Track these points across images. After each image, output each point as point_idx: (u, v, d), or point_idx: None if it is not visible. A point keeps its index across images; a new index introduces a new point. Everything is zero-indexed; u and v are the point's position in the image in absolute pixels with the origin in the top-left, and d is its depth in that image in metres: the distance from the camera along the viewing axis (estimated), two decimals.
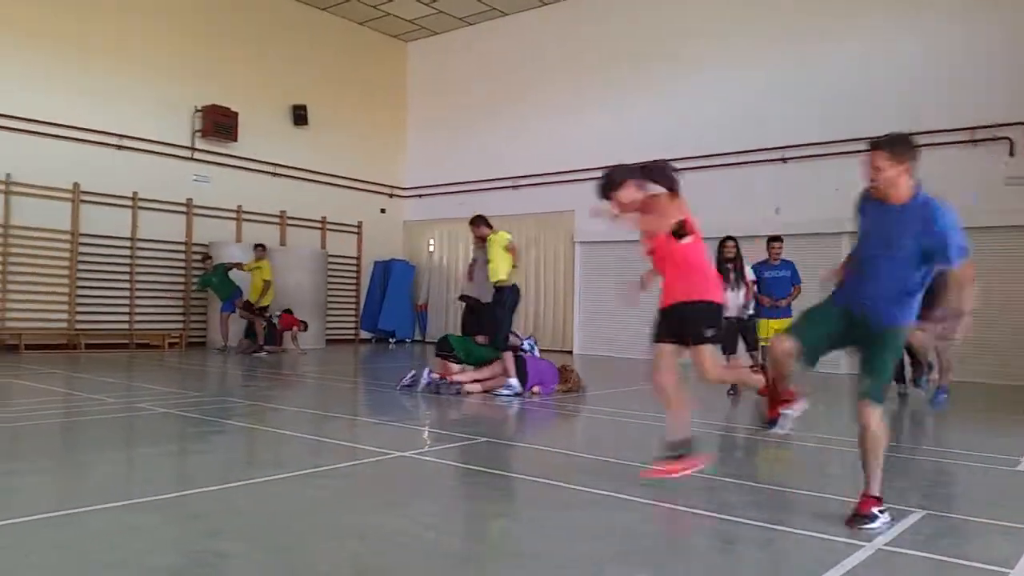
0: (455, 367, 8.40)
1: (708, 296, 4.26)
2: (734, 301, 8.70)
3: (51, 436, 5.84)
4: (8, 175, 12.33)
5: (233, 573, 2.94)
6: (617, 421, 6.96)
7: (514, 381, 8.03)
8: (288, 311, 14.12)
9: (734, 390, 8.67)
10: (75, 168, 13.13)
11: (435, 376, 8.24)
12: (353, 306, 17.83)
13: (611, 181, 4.34)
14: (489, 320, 8.37)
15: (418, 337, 18.21)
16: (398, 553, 3.13)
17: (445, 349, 8.53)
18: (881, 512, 3.49)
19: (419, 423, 6.80)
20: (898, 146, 3.49)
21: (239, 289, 13.63)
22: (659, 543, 3.42)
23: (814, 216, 12.70)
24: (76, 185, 13.19)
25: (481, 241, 8.67)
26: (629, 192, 4.30)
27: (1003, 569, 2.98)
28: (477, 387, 8.13)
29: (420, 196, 18.77)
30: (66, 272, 13.13)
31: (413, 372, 8.56)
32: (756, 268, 9.06)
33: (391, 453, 5.08)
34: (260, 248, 13.84)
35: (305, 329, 14.26)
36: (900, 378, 8.60)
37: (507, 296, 8.23)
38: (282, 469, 4.59)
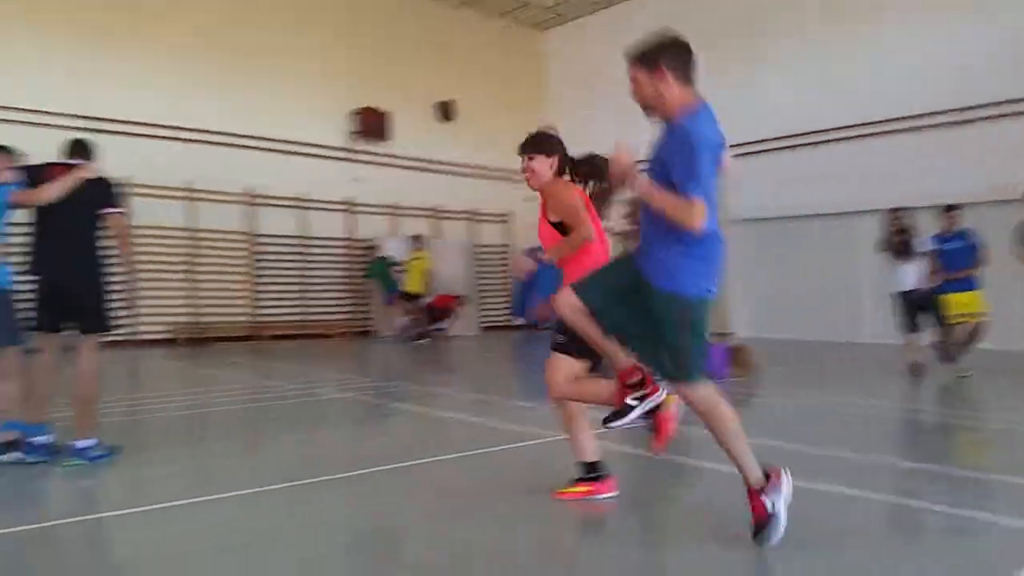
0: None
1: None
2: (909, 275, 8.21)
3: (241, 420, 6.39)
4: (190, 183, 13.52)
5: (414, 546, 3.10)
6: (796, 404, 6.70)
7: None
8: (442, 294, 14.70)
9: (918, 370, 8.09)
10: (247, 174, 14.22)
11: None
12: (504, 293, 18.19)
13: (535, 143, 3.85)
14: None
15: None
16: (580, 535, 3.19)
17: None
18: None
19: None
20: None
21: (395, 281, 14.35)
22: (840, 529, 3.28)
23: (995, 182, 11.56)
24: (250, 190, 14.29)
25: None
26: (540, 163, 3.78)
27: None
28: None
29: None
30: (245, 269, 14.30)
31: None
32: (932, 240, 8.43)
33: (556, 436, 5.16)
34: (417, 239, 14.48)
35: (463, 306, 14.84)
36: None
37: None
38: (449, 450, 4.78)
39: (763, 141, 14.47)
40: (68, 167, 4.47)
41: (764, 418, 6.33)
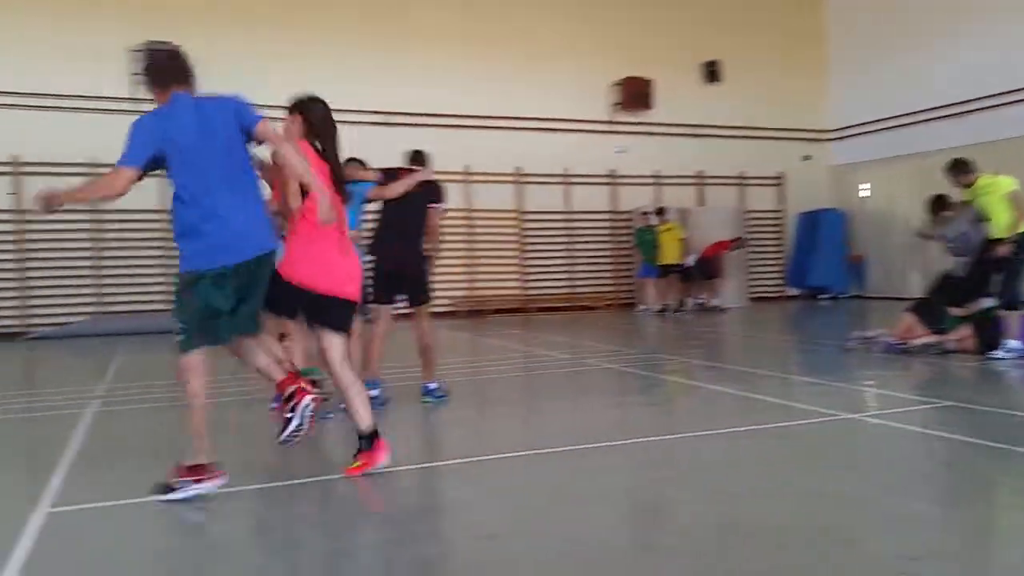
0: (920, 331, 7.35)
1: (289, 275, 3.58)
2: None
3: (517, 386, 6.71)
4: (467, 166, 14.42)
5: (683, 518, 3.01)
6: None
7: (1016, 343, 6.79)
8: (712, 244, 14.54)
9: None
10: (515, 154, 14.83)
11: (891, 340, 7.38)
12: (778, 262, 17.15)
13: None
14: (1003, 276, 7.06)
15: (855, 292, 16.76)
16: (857, 516, 2.89)
17: (927, 314, 7.38)
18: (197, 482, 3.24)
19: (870, 384, 6.22)
20: None
21: (654, 253, 14.21)
22: None
23: None
24: (519, 169, 14.91)
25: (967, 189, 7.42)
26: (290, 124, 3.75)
27: None
28: (952, 345, 7.12)
29: (847, 138, 17.16)
30: (515, 245, 15.00)
31: (866, 333, 7.85)
32: None
33: (839, 415, 4.73)
34: (660, 212, 14.37)
35: (741, 247, 14.89)
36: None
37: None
38: (719, 424, 4.59)
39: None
40: (410, 171, 5.39)
41: None
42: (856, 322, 9.25)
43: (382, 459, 3.61)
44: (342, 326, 3.70)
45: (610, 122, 15.77)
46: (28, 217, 11.91)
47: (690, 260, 14.30)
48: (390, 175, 5.25)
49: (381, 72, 13.86)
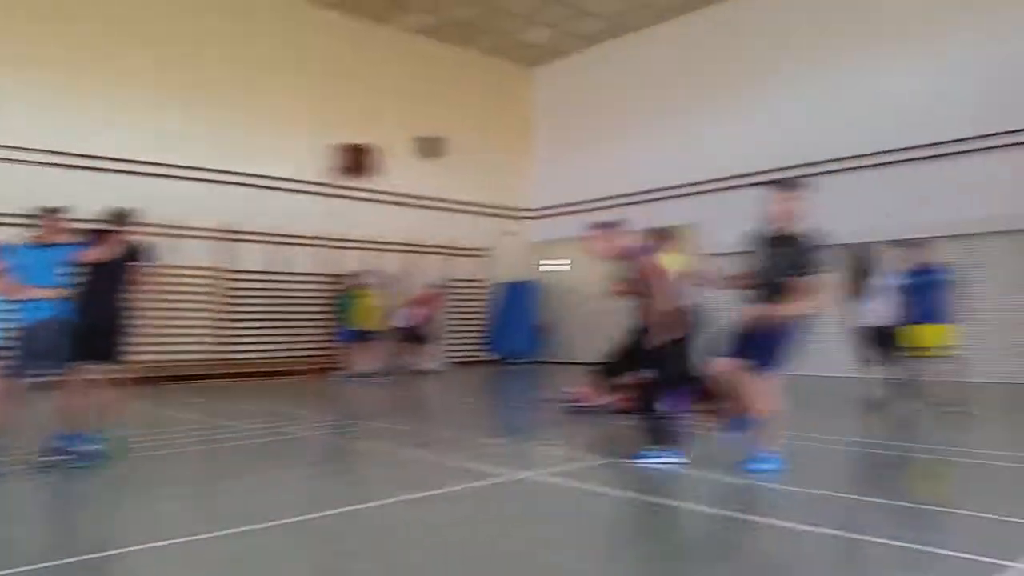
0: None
1: None
2: (872, 310, 8.42)
3: (194, 462, 6.35)
4: (170, 219, 13.48)
5: None
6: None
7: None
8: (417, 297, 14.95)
9: (879, 404, 8.29)
10: (226, 210, 14.24)
11: (579, 401, 8.24)
12: (478, 328, 18.23)
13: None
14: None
15: (544, 357, 18.35)
16: (517, 572, 3.21)
17: (607, 376, 8.06)
18: None
19: (549, 443, 6.87)
20: None
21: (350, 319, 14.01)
22: (787, 565, 3.33)
23: (958, 216, 11.92)
24: (226, 225, 14.29)
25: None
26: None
27: None
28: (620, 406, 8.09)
29: (546, 217, 19.01)
30: (217, 307, 14.22)
31: (564, 393, 8.64)
32: (901, 275, 8.57)
33: (518, 474, 5.18)
34: (355, 275, 14.46)
35: (441, 302, 15.31)
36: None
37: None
38: (409, 491, 4.78)
39: (742, 176, 14.82)
40: (112, 232, 5.80)
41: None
42: (546, 384, 10.15)
43: None
44: None
45: (328, 185, 15.84)
46: None
47: (401, 321, 14.51)
48: (92, 237, 5.65)
49: (84, 113, 12.79)
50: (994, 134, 11.92)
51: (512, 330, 17.63)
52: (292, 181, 15.28)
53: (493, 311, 18.22)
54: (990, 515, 3.93)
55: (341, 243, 15.96)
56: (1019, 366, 11.40)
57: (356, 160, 15.91)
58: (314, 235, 15.59)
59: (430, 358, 15.04)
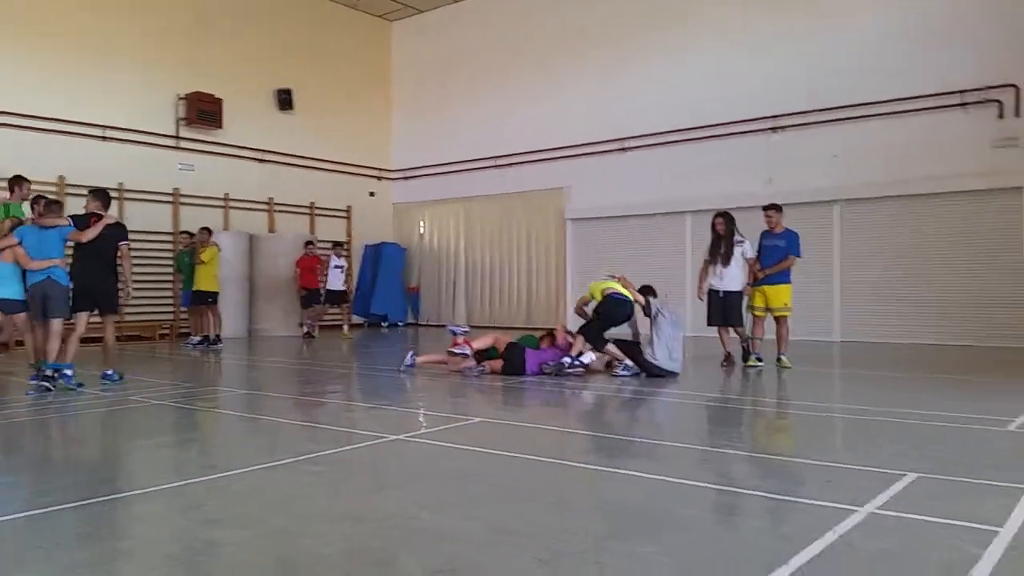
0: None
1: None
2: (721, 277, 8.82)
3: (55, 428, 5.81)
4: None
5: (230, 559, 2.93)
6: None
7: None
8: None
9: (727, 360, 8.79)
10: (60, 161, 13.00)
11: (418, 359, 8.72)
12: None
13: None
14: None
15: (411, 320, 18.19)
16: (393, 536, 3.13)
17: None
18: None
19: (420, 405, 6.79)
20: None
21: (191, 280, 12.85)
22: (660, 517, 3.43)
23: (806, 185, 12.75)
24: (61, 178, 13.06)
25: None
26: None
27: (993, 528, 3.00)
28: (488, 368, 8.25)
29: (408, 179, 18.67)
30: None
31: (412, 352, 8.82)
32: (762, 236, 9.05)
33: (386, 436, 5.08)
34: (206, 232, 12.96)
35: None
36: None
37: None
38: (277, 456, 4.59)
39: (612, 140, 15.14)
40: (99, 216, 7.65)
41: (590, 410, 6.58)
42: (409, 347, 10.06)
43: None
44: None
45: (176, 137, 14.78)
46: None
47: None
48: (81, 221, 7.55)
49: None
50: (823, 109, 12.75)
51: (379, 293, 17.31)
52: (137, 132, 14.15)
53: (359, 274, 17.79)
54: (838, 464, 4.23)
55: (197, 199, 15.00)
56: (872, 326, 12.33)
57: (206, 110, 14.93)
58: (159, 190, 14.55)
59: (308, 323, 14.67)
